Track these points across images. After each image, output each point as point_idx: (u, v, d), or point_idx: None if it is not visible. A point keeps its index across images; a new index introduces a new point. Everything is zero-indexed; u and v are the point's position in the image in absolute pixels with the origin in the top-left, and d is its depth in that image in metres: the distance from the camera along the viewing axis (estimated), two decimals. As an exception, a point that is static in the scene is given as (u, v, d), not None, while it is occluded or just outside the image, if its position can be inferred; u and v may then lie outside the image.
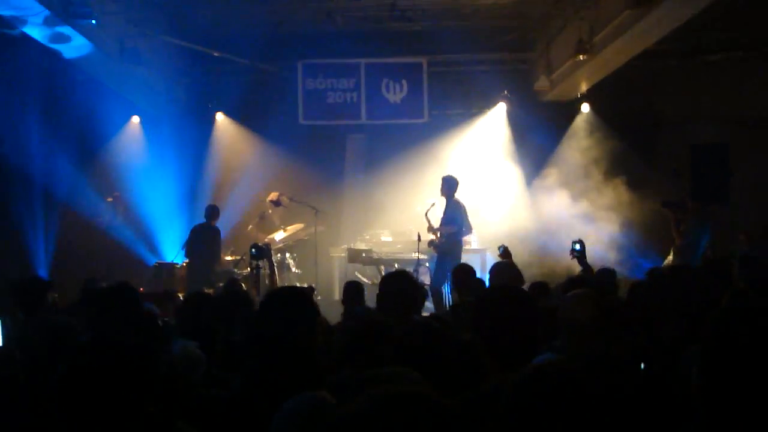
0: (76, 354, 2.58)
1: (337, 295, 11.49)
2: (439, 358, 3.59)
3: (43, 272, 12.53)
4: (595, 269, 7.22)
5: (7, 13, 9.54)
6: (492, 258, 11.50)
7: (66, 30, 10.00)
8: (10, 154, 12.50)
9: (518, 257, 9.18)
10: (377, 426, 1.61)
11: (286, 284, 11.41)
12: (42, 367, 3.32)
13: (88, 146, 14.04)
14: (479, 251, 12.74)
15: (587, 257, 7.31)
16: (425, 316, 5.31)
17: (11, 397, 2.85)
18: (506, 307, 3.23)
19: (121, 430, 2.42)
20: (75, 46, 10.69)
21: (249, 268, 10.10)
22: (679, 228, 10.97)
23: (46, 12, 9.34)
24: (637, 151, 13.50)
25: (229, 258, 12.14)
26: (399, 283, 4.73)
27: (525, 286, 6.64)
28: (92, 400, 2.41)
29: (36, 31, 10.13)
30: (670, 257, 11.07)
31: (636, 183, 13.04)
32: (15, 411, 2.88)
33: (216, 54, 13.91)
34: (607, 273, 6.82)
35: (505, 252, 8.57)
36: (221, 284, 10.24)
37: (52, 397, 2.47)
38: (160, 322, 4.93)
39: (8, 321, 4.37)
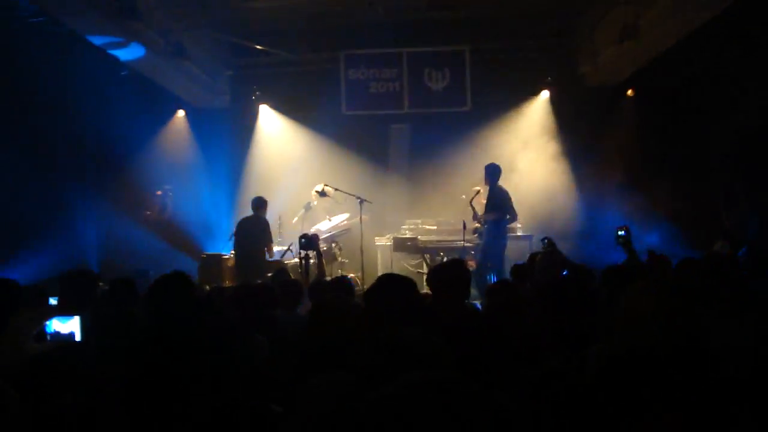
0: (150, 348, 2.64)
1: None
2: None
3: (94, 265, 12.74)
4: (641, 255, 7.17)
5: (53, 9, 9.70)
6: (539, 246, 11.49)
7: (112, 26, 10.15)
8: (63, 148, 12.74)
9: (562, 244, 9.13)
10: (409, 411, 1.63)
11: (333, 273, 11.54)
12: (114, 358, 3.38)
13: (136, 140, 14.24)
14: (525, 238, 12.68)
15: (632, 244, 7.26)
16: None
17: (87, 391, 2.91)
18: (557, 300, 3.26)
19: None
20: (130, 49, 10.90)
21: (297, 258, 10.19)
22: (727, 210, 10.84)
23: (92, 9, 9.49)
24: (683, 137, 13.34)
25: (276, 248, 12.24)
26: (454, 271, 4.78)
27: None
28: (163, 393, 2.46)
29: (83, 28, 10.31)
30: (720, 241, 10.93)
31: (683, 169, 12.90)
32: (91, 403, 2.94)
33: (258, 47, 14.03)
34: (655, 258, 6.77)
35: (548, 244, 8.50)
36: (270, 274, 10.36)
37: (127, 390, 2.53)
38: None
39: (87, 316, 4.44)
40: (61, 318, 4.40)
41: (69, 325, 4.38)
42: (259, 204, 11.85)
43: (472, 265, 10.86)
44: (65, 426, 2.78)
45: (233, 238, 11.94)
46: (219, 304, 5.50)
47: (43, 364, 3.35)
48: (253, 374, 3.49)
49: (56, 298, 6.08)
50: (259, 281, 8.41)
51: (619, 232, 7.20)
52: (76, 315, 4.39)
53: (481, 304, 8.13)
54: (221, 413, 2.55)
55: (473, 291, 9.10)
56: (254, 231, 11.58)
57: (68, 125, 12.71)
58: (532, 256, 7.54)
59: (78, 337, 4.34)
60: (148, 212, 14.10)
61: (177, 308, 4.01)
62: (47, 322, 4.44)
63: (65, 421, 2.77)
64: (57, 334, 4.37)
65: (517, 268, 7.54)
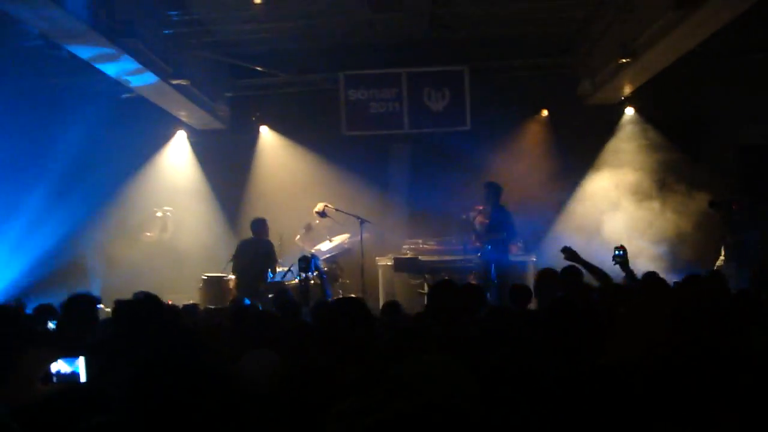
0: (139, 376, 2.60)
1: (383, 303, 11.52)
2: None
3: (96, 288, 12.76)
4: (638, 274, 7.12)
5: (52, 32, 9.71)
6: (539, 264, 11.48)
7: (112, 50, 10.18)
8: (61, 169, 12.80)
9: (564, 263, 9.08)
10: None
11: (334, 294, 11.51)
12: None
13: (135, 161, 14.28)
14: (525, 257, 12.66)
15: (630, 263, 7.22)
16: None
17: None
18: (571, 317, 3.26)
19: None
20: (138, 77, 11.00)
21: (297, 280, 10.18)
22: (729, 225, 10.84)
23: (91, 31, 9.51)
24: (683, 154, 13.38)
25: (277, 269, 12.22)
26: (446, 294, 4.78)
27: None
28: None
29: (83, 52, 10.33)
30: (722, 257, 10.93)
31: (683, 185, 12.92)
32: None
33: (258, 68, 14.08)
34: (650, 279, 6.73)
35: (570, 254, 8.13)
36: (270, 295, 10.34)
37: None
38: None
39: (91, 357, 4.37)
40: (65, 359, 4.33)
41: (74, 365, 4.31)
42: (259, 226, 11.84)
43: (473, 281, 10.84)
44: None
45: (232, 260, 11.91)
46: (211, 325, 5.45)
47: (53, 407, 3.31)
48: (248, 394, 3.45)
49: (55, 322, 6.04)
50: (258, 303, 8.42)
51: (616, 251, 7.16)
52: (81, 355, 4.33)
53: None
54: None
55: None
56: (255, 253, 11.57)
57: (66, 147, 12.77)
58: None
59: (83, 378, 4.28)
60: (148, 234, 14.10)
61: (150, 333, 3.95)
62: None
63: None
64: (60, 374, 4.29)
65: (516, 289, 7.42)
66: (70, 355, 4.29)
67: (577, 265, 6.96)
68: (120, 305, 4.38)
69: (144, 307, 4.21)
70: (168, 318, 4.24)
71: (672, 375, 2.14)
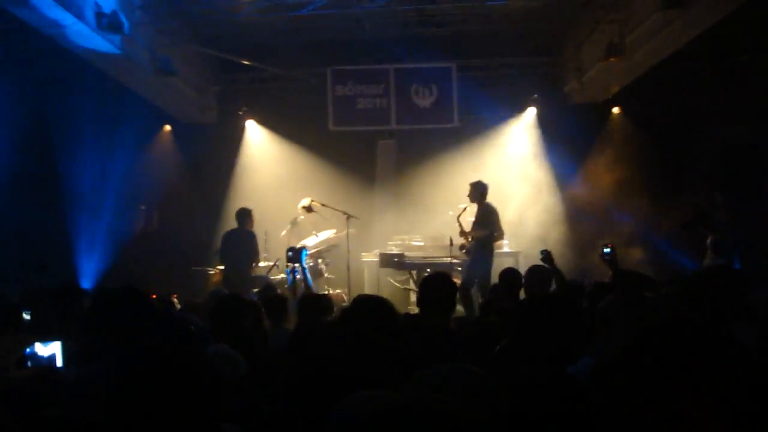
0: (120, 363, 2.60)
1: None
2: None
3: (85, 281, 12.72)
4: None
5: (41, 24, 9.68)
6: (525, 261, 11.50)
7: (98, 41, 10.14)
8: (47, 165, 12.71)
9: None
10: None
11: (319, 289, 11.52)
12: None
13: (122, 155, 14.20)
14: (512, 254, 12.69)
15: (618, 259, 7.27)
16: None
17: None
18: (545, 315, 3.28)
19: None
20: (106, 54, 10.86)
21: (287, 272, 10.14)
22: (709, 229, 10.88)
23: (79, 23, 9.48)
24: (668, 154, 13.43)
25: (262, 264, 12.21)
26: (440, 285, 4.79)
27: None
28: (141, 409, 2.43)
29: (69, 43, 10.29)
30: (709, 254, 10.95)
31: (668, 185, 12.99)
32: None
33: (246, 62, 14.04)
34: (637, 276, 6.76)
35: (547, 257, 8.29)
36: (255, 290, 10.32)
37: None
38: (193, 327, 4.97)
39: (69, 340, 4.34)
40: (41, 341, 4.30)
41: (50, 349, 4.28)
42: (244, 215, 11.77)
43: (456, 282, 10.84)
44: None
45: (220, 253, 11.89)
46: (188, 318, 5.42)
47: (27, 392, 3.29)
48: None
49: (29, 311, 5.95)
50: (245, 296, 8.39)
51: (605, 250, 7.20)
52: (57, 339, 4.30)
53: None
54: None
55: (458, 307, 9.12)
56: (241, 245, 11.54)
57: (51, 139, 12.69)
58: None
59: (59, 362, 4.25)
60: (133, 227, 14.05)
61: (129, 325, 3.92)
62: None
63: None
64: (35, 357, 4.26)
65: (503, 282, 7.38)
66: (47, 339, 4.27)
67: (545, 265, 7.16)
68: (99, 295, 4.35)
69: (123, 298, 4.18)
70: (148, 310, 4.20)
71: (649, 371, 2.15)
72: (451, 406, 1.71)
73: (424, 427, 1.63)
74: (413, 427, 1.63)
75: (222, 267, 11.89)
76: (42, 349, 4.24)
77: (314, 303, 6.42)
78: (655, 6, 9.62)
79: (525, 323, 3.33)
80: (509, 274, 7.16)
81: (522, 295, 6.75)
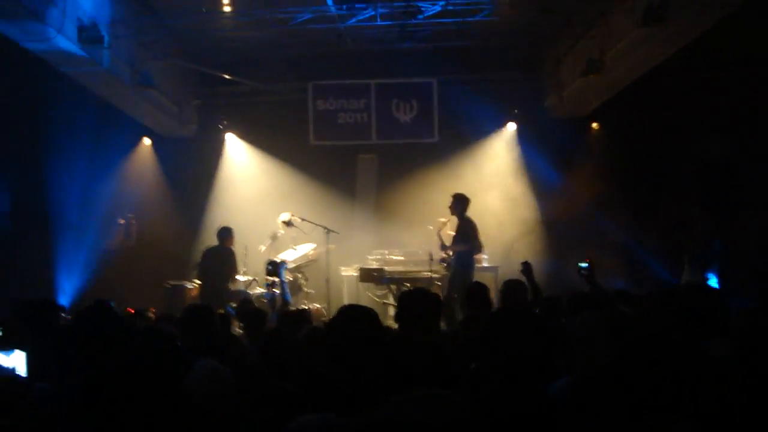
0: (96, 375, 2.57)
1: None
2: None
3: (61, 296, 12.63)
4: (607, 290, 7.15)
5: (21, 37, 9.62)
6: (504, 276, 11.52)
7: (79, 54, 10.09)
8: (25, 178, 12.65)
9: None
10: None
11: (298, 304, 11.46)
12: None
13: (100, 169, 14.13)
14: (491, 269, 12.69)
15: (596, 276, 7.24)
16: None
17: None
18: (514, 330, 3.25)
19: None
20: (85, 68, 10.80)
21: (265, 287, 10.10)
22: (691, 240, 10.94)
23: (60, 37, 9.43)
24: (646, 168, 13.51)
25: (241, 278, 12.15)
26: (418, 301, 4.77)
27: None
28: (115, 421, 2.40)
29: (50, 55, 10.24)
30: (687, 267, 11.00)
31: (646, 199, 13.06)
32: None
33: (227, 76, 14.02)
34: (618, 293, 6.77)
35: (527, 269, 8.21)
36: (234, 304, 10.26)
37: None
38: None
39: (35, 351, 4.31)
40: (2, 351, 4.26)
41: (12, 359, 4.24)
42: (225, 234, 11.79)
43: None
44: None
45: (198, 268, 11.83)
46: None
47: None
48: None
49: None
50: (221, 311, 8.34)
51: (581, 264, 7.16)
52: (20, 349, 4.26)
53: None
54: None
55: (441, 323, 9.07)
56: (219, 261, 11.51)
57: (30, 151, 12.63)
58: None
59: (21, 373, 4.21)
60: (110, 241, 13.95)
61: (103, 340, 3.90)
62: None
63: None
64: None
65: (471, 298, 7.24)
66: (7, 348, 4.24)
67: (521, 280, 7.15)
68: (79, 311, 4.34)
69: (94, 315, 4.16)
70: (118, 327, 4.19)
71: (625, 383, 2.15)
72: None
73: None
74: None
75: (200, 283, 11.82)
76: (4, 359, 4.20)
77: (294, 317, 6.39)
78: (634, 23, 9.67)
79: (492, 337, 3.30)
80: (475, 288, 7.12)
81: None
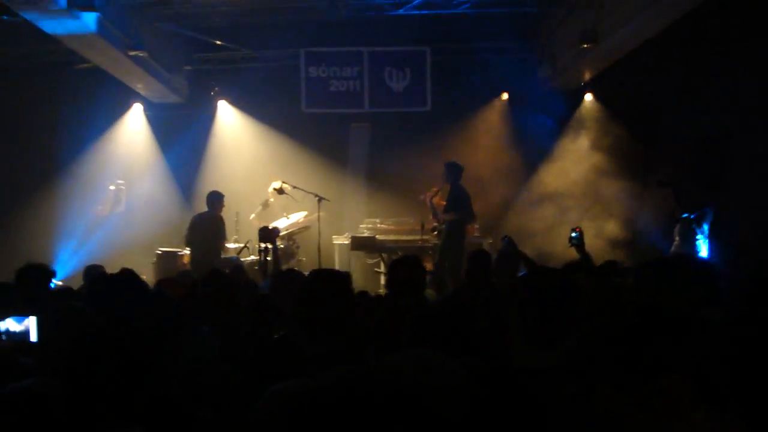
0: (93, 341, 2.56)
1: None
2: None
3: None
4: (598, 261, 7.15)
5: (12, 2, 9.50)
6: (491, 247, 11.57)
7: (69, 18, 9.98)
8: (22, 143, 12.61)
9: (521, 247, 9.12)
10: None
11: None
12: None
13: (90, 134, 14.05)
14: (482, 239, 12.69)
15: (586, 246, 7.23)
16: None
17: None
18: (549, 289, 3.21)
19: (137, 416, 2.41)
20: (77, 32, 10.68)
21: (258, 254, 10.05)
22: (679, 204, 10.93)
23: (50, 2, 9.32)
24: (640, 141, 13.51)
25: (232, 246, 12.13)
26: (409, 268, 4.80)
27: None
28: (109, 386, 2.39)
29: (39, 20, 10.12)
30: (676, 240, 11.02)
31: (639, 172, 13.07)
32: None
33: (218, 42, 13.91)
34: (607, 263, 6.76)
35: (509, 243, 8.29)
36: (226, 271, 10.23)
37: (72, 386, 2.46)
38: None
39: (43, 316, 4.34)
40: (16, 318, 4.28)
41: (24, 324, 4.26)
42: (215, 199, 11.70)
43: (429, 267, 10.83)
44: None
45: (186, 236, 11.78)
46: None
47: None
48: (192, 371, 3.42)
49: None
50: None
51: (572, 234, 7.16)
52: (32, 315, 4.28)
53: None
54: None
55: (430, 291, 9.09)
56: (209, 228, 11.46)
57: (19, 118, 12.55)
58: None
59: (33, 337, 4.23)
60: (100, 207, 13.90)
61: (125, 305, 3.93)
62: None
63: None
64: (10, 332, 4.24)
65: (475, 264, 7.26)
66: (21, 313, 4.25)
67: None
68: (98, 277, 4.37)
69: (124, 284, 4.23)
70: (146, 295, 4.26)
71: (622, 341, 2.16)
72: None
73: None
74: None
75: (189, 250, 11.79)
76: (15, 325, 4.22)
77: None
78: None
79: (531, 298, 3.23)
80: (480, 255, 7.13)
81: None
